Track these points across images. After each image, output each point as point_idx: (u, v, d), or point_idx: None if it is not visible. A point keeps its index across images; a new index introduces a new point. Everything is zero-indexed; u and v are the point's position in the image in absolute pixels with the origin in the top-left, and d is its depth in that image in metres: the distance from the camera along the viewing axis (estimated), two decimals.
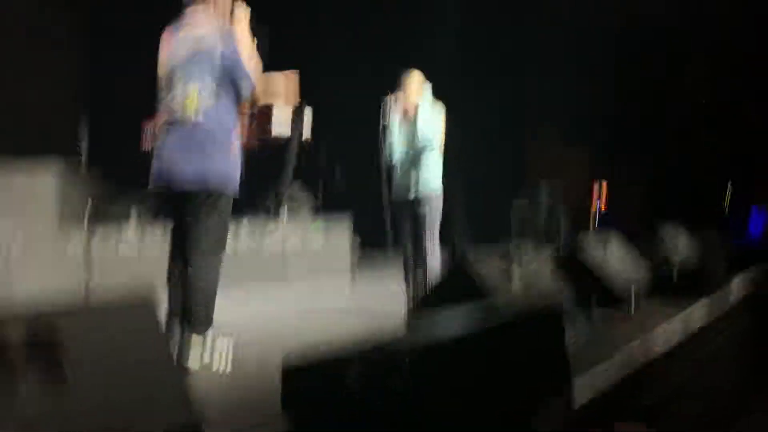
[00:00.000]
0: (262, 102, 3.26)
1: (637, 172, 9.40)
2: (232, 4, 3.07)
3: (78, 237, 5.48)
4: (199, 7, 3.02)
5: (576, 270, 3.79)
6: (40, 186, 5.62)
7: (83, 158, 5.20)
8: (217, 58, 2.91)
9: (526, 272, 3.33)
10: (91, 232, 5.54)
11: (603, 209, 9.42)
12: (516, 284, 3.21)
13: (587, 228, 9.35)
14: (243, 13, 3.04)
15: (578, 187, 9.77)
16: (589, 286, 3.75)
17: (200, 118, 2.89)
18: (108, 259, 5.62)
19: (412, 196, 4.28)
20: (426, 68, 4.38)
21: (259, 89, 3.04)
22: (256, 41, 3.10)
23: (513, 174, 9.75)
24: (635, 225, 8.87)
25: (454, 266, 3.08)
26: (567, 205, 9.56)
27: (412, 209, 4.32)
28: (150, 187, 2.99)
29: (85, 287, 4.92)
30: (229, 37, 2.97)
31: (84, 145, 5.18)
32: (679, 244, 4.81)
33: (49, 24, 7.94)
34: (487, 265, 3.12)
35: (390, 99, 4.23)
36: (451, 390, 1.77)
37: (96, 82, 8.22)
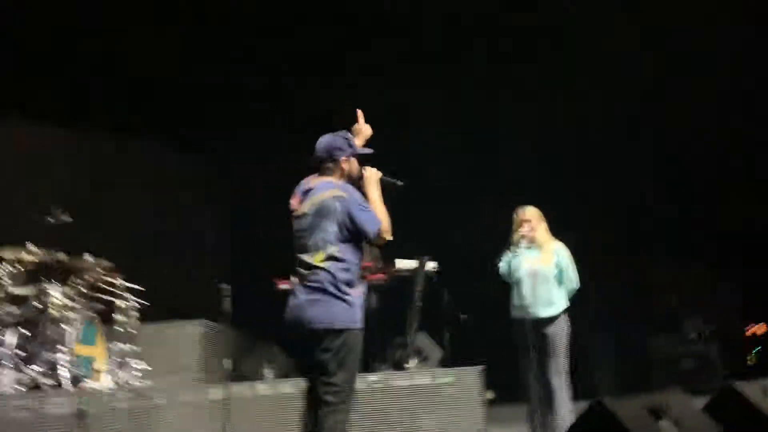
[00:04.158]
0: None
1: None
2: (361, 170, 3.37)
3: (219, 387, 5.76)
4: (326, 176, 3.34)
5: (737, 420, 3.39)
6: (187, 340, 6.15)
7: (226, 317, 5.63)
8: (337, 213, 3.17)
9: (678, 423, 3.03)
10: (230, 383, 5.83)
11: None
12: None
13: (745, 367, 8.39)
14: (372, 175, 3.36)
15: (730, 319, 8.92)
16: None
17: (326, 267, 3.14)
18: (246, 409, 5.82)
19: (532, 317, 4.34)
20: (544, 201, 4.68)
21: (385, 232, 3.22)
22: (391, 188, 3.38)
23: (654, 308, 9.09)
24: None
25: (593, 413, 2.87)
26: (718, 340, 8.70)
27: (533, 332, 4.33)
28: (286, 327, 3.18)
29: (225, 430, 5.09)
30: (347, 192, 3.24)
31: (227, 306, 5.61)
32: None
33: (199, 208, 9.02)
34: (632, 415, 2.89)
35: (516, 220, 4.56)
36: None
37: (235, 251, 9.05)
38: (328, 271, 3.12)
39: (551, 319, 4.35)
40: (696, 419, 3.09)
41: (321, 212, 3.21)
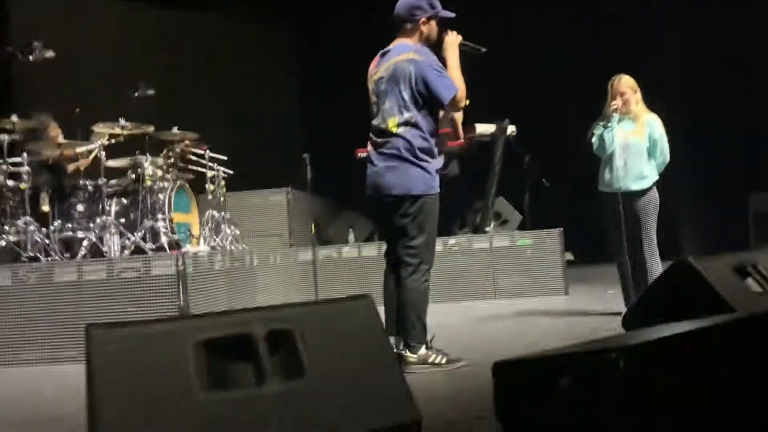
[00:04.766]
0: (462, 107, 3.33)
1: None
2: (441, 33, 3.23)
3: (307, 250, 6.12)
4: (404, 37, 3.22)
5: None
6: (273, 207, 6.47)
7: (309, 183, 5.83)
8: (411, 78, 3.09)
9: (766, 280, 2.95)
10: (316, 245, 6.16)
11: None
12: (752, 294, 2.87)
13: None
14: (452, 39, 3.22)
15: None
16: None
17: (401, 133, 3.12)
18: (331, 269, 6.20)
19: (622, 190, 4.26)
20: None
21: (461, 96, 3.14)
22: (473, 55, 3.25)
23: (750, 163, 8.59)
24: None
25: (677, 271, 2.83)
26: None
27: (623, 206, 4.27)
28: (367, 194, 3.26)
29: (314, 290, 5.51)
30: (422, 56, 3.12)
31: (309, 172, 5.77)
32: None
33: (278, 79, 9.05)
34: (717, 272, 2.83)
35: (610, 91, 4.33)
36: (671, 397, 1.65)
37: (316, 120, 9.14)
38: (404, 138, 3.11)
39: (642, 192, 4.23)
40: None
41: (395, 76, 3.14)
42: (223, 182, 6.00)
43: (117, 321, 1.66)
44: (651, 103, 4.42)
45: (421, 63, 3.10)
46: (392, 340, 3.10)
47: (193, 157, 5.93)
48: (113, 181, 5.25)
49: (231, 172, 6.11)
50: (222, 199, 5.95)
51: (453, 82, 3.12)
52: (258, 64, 8.78)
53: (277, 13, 8.71)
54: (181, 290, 4.06)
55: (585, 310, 4.86)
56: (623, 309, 4.18)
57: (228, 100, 8.34)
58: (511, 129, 6.67)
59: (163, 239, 4.96)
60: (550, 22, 9.02)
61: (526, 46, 9.17)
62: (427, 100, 3.12)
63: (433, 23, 3.22)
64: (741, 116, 8.45)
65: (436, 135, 3.21)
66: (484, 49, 3.29)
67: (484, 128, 6.67)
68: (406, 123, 3.11)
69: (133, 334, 1.62)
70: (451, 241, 6.29)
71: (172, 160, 5.65)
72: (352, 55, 5.61)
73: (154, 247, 4.87)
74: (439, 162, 3.22)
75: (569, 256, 6.48)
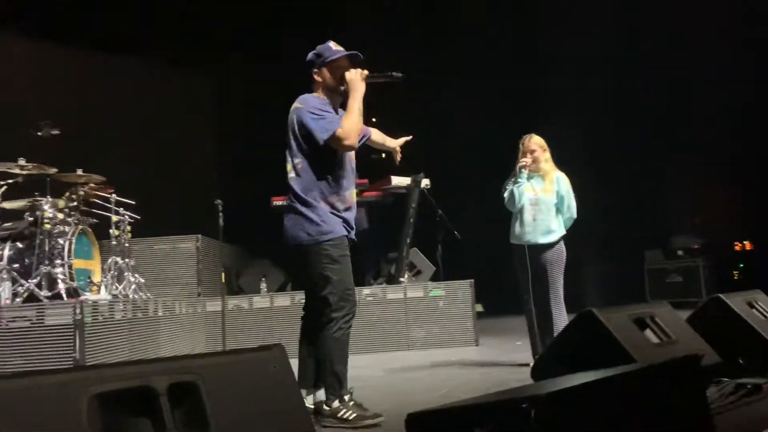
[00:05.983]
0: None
1: None
2: (341, 77, 3.16)
3: (216, 300, 5.91)
4: (313, 89, 3.24)
5: (721, 330, 3.48)
6: (182, 254, 6.24)
7: (220, 230, 5.67)
8: (294, 125, 3.12)
9: (662, 332, 3.11)
10: (227, 296, 5.96)
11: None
12: (650, 345, 3.00)
13: (731, 282, 8.58)
14: (352, 76, 3.12)
15: (722, 235, 9.02)
16: (737, 348, 3.42)
17: (291, 182, 3.12)
18: (241, 320, 6.01)
19: (531, 244, 4.39)
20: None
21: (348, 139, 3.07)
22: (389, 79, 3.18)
23: (645, 223, 9.19)
24: None
25: (582, 322, 2.93)
26: (708, 255, 8.87)
27: (532, 259, 4.38)
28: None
29: (222, 341, 5.28)
30: (302, 103, 3.13)
31: (221, 219, 5.63)
32: None
33: (192, 124, 8.91)
34: (618, 323, 2.95)
35: (521, 149, 4.50)
36: None
37: (230, 166, 9.02)
38: (292, 186, 3.11)
39: (550, 246, 4.41)
40: (679, 329, 3.16)
41: (287, 126, 3.17)
42: (128, 227, 5.75)
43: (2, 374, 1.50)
44: (558, 164, 4.64)
45: (300, 110, 3.12)
46: (304, 392, 3.02)
47: (98, 201, 5.67)
48: (8, 224, 4.92)
49: (137, 217, 5.88)
50: (126, 245, 5.69)
51: (328, 123, 3.05)
52: (172, 108, 8.61)
53: (195, 58, 8.62)
54: (77, 341, 3.80)
55: (495, 361, 4.93)
56: (531, 360, 4.28)
57: (139, 143, 8.08)
58: (425, 182, 6.85)
59: (61, 286, 4.66)
60: (466, 79, 9.42)
61: (442, 101, 9.51)
62: (312, 145, 3.08)
63: (325, 71, 3.18)
64: (638, 182, 9.10)
65: (331, 180, 3.12)
66: (399, 74, 3.15)
67: (399, 180, 6.83)
68: (294, 170, 3.12)
69: (18, 386, 1.47)
70: (366, 291, 6.27)
71: (75, 203, 5.37)
72: (268, 102, 5.59)
73: (50, 294, 4.56)
74: (335, 205, 3.11)
75: (479, 308, 6.61)
